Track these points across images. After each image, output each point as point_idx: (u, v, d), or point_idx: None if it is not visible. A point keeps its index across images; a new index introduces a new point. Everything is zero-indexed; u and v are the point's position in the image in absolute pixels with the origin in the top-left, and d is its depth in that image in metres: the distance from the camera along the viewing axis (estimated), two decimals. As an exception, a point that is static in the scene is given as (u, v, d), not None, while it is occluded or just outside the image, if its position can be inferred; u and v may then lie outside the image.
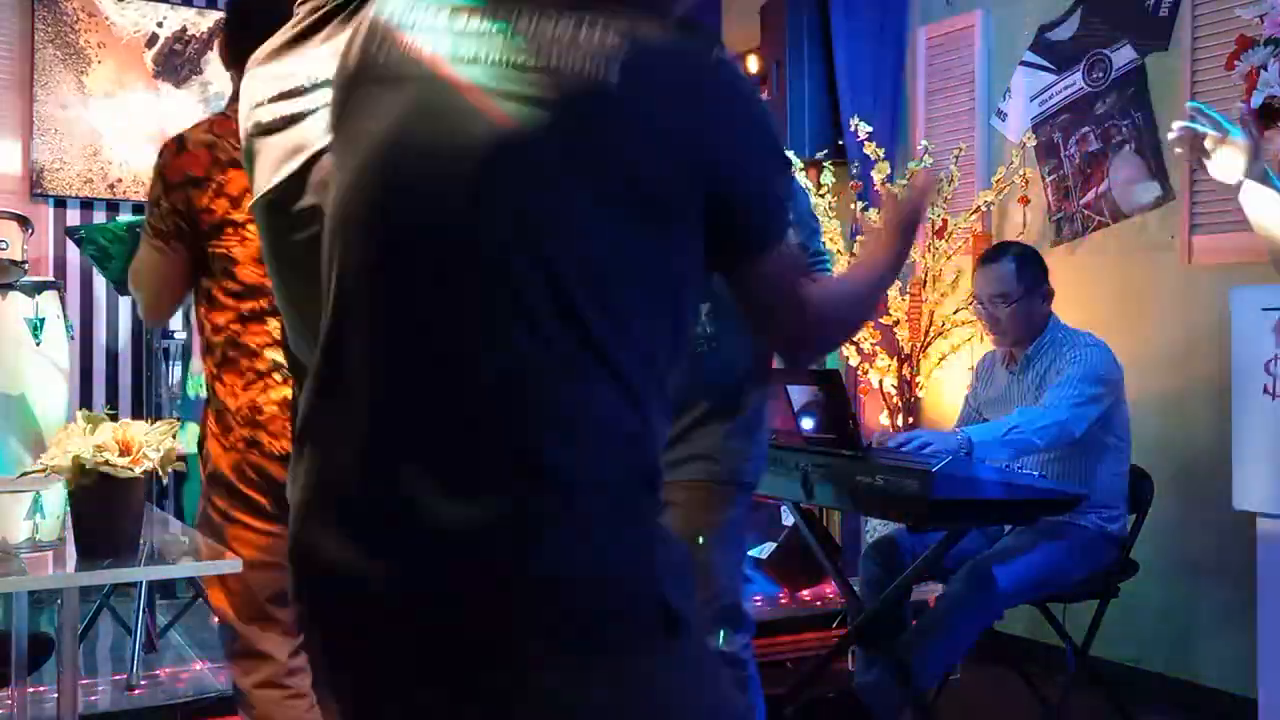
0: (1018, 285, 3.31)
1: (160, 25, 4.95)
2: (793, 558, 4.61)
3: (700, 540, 2.37)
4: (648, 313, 1.12)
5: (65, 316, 4.17)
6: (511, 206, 1.08)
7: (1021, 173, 4.15)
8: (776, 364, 2.58)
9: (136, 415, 3.00)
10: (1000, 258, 3.37)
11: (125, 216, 4.71)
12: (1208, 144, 2.33)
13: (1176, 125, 2.36)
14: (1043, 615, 3.28)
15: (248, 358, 2.10)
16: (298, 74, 1.49)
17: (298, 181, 1.47)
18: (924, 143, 4.43)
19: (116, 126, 4.87)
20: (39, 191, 4.73)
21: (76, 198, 4.81)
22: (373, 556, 1.08)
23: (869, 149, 4.32)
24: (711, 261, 1.20)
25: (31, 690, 2.97)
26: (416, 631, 1.08)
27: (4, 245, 3.88)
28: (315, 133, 1.45)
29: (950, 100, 4.62)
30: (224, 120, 2.13)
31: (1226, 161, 2.33)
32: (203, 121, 2.19)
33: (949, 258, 4.30)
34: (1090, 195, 4.07)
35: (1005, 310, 3.32)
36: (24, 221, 4.05)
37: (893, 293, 4.36)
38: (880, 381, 4.43)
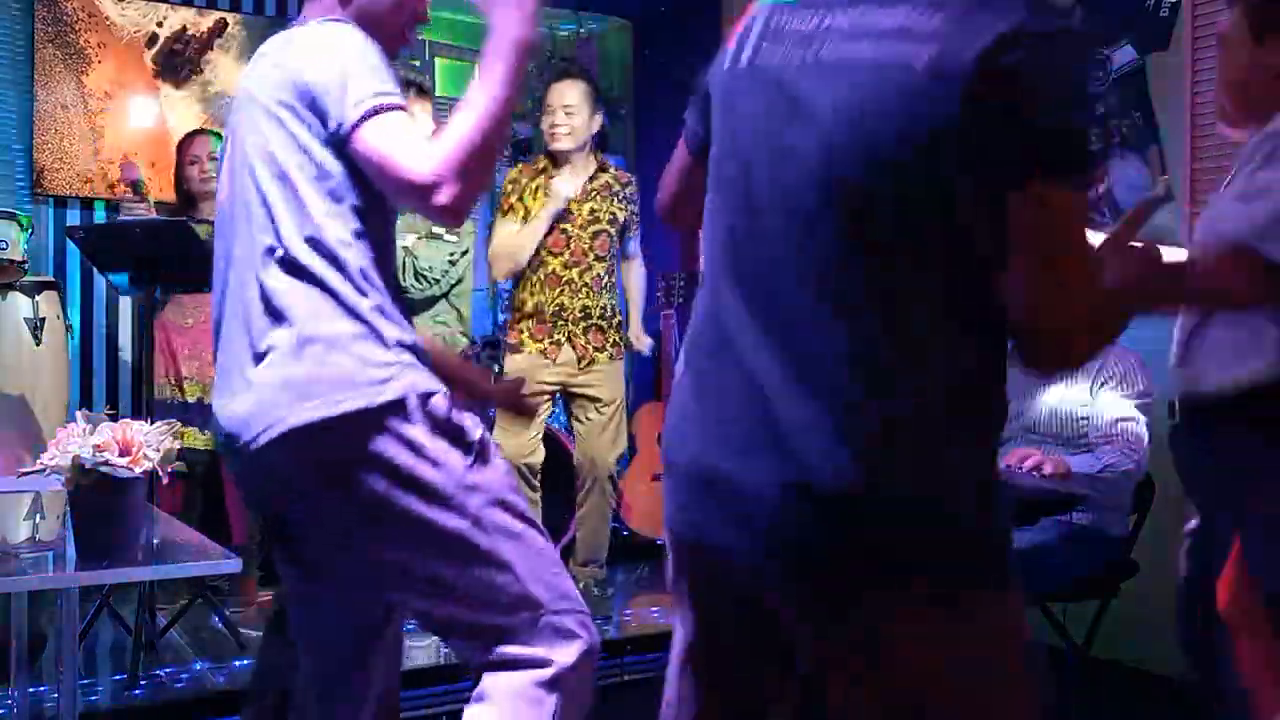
0: None
1: (160, 25, 4.95)
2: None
3: None
4: None
5: (65, 316, 4.17)
6: None
7: (1021, 173, 4.15)
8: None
9: (136, 415, 3.00)
10: None
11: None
12: None
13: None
14: (1043, 615, 3.28)
15: None
16: None
17: None
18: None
19: (116, 126, 4.87)
20: (39, 191, 4.73)
21: (76, 198, 4.81)
22: None
23: (869, 149, 4.30)
24: None
25: (31, 690, 2.97)
26: None
27: (4, 245, 3.88)
28: None
29: (950, 100, 4.62)
30: None
31: None
32: None
33: (949, 258, 4.29)
34: (1090, 195, 4.07)
35: None
36: (24, 221, 4.06)
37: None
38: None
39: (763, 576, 1.29)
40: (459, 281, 4.21)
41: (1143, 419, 3.20)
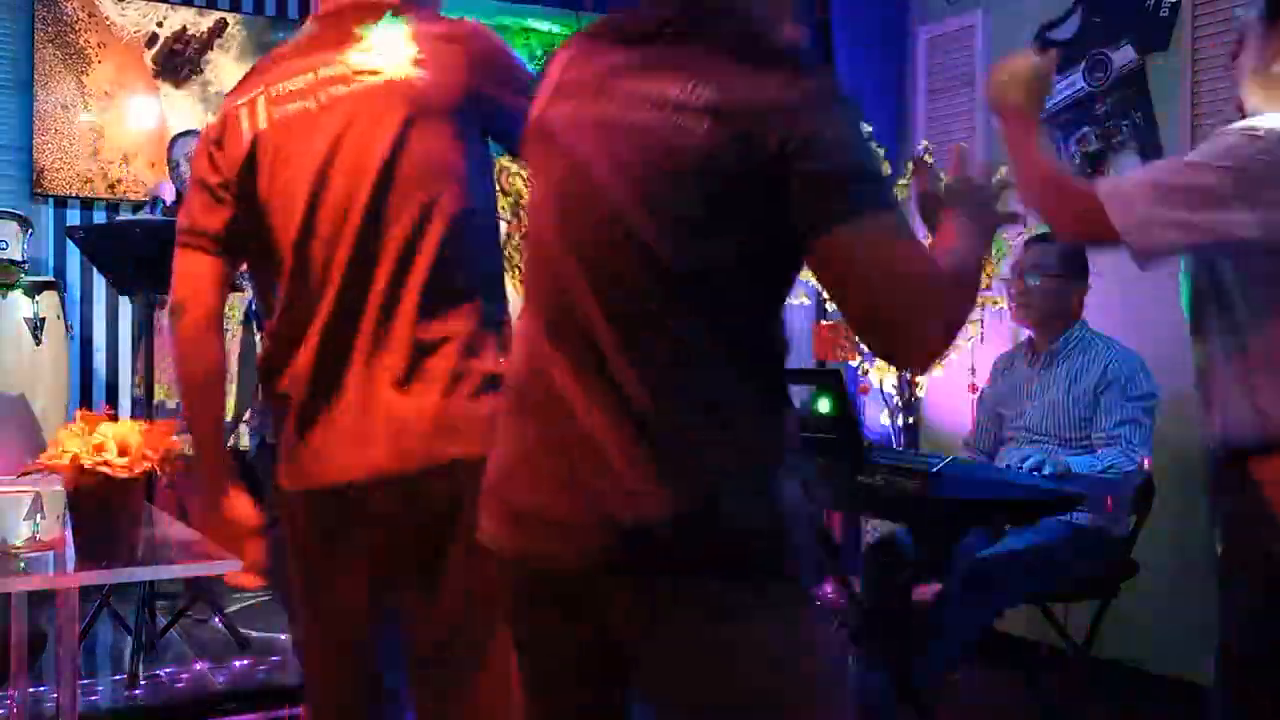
0: (1058, 264, 3.37)
1: (160, 25, 4.95)
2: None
3: None
4: None
5: (65, 316, 4.18)
6: None
7: (1021, 173, 4.15)
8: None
9: (136, 415, 3.01)
10: (1051, 238, 3.46)
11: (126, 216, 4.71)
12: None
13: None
14: (1043, 615, 3.28)
15: None
16: None
17: None
18: (924, 143, 4.43)
19: (116, 126, 4.87)
20: (39, 191, 4.73)
21: (76, 198, 4.81)
22: None
23: (869, 149, 4.31)
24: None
25: (31, 690, 2.97)
26: None
27: (4, 245, 3.89)
28: None
29: (950, 100, 4.62)
30: None
31: None
32: None
33: (949, 258, 4.29)
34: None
35: (1036, 283, 3.37)
36: (24, 221, 4.06)
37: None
38: (880, 381, 4.43)
39: (581, 589, 1.33)
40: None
41: (1145, 421, 3.20)
